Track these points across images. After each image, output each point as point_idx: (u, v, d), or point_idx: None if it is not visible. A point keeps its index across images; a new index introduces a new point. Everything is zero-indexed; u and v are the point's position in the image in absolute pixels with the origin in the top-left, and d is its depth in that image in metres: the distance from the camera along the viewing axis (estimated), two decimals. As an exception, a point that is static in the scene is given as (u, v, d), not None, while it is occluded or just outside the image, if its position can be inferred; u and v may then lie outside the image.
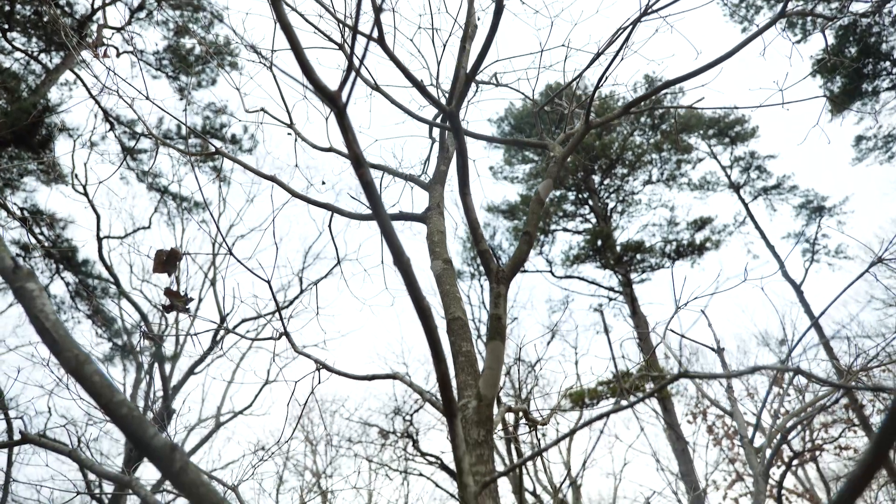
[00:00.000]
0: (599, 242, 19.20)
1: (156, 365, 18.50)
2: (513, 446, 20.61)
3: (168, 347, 20.05)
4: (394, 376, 2.12)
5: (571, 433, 1.24)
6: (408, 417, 21.15)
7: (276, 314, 2.20)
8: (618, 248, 19.48)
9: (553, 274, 20.43)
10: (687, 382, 28.07)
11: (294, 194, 3.18)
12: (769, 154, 21.81)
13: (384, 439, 22.85)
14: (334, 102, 1.21)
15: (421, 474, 23.38)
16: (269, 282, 2.31)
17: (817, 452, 21.32)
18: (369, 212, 3.14)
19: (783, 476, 21.05)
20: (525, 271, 20.48)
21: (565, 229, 21.51)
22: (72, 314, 15.98)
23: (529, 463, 22.39)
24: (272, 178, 3.22)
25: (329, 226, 3.12)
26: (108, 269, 16.75)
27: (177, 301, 1.77)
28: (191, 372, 19.97)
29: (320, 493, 27.88)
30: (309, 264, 21.15)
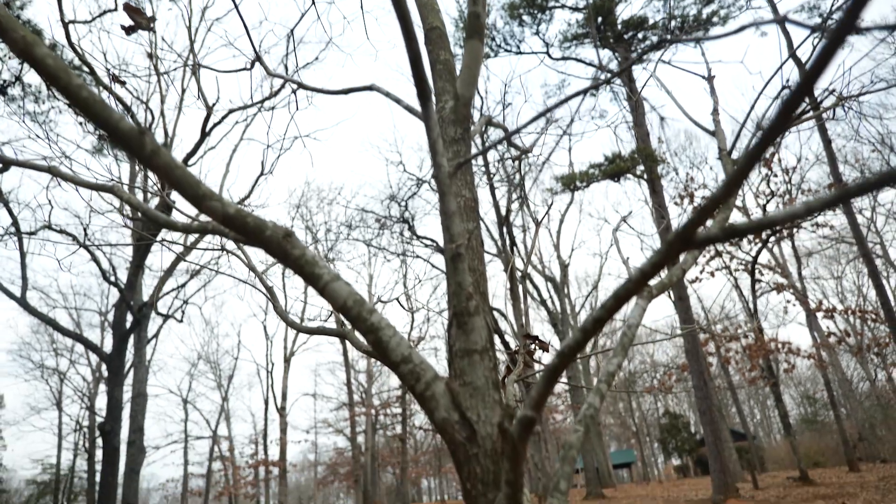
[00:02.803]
0: (600, 19, 18.06)
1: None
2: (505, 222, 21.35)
3: (157, 138, 19.84)
4: (370, 87, 2.05)
5: (544, 113, 1.20)
6: (403, 203, 21.78)
7: (248, 38, 2.06)
8: (619, 26, 18.39)
9: (550, 56, 19.53)
10: (676, 166, 28.27)
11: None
12: None
13: (381, 227, 23.72)
14: None
15: (418, 257, 24.78)
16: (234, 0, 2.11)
17: (794, 230, 22.35)
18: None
19: (758, 252, 22.18)
20: (521, 53, 19.56)
21: (564, 6, 20.10)
22: (51, 104, 15.49)
23: (520, 244, 23.46)
24: None
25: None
26: (80, 57, 15.89)
27: (139, 18, 1.64)
28: (184, 163, 19.95)
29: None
30: (292, 50, 20.04)
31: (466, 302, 1.16)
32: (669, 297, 30.83)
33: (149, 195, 22.30)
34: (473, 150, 1.67)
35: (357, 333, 2.15)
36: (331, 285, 1.17)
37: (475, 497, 1.09)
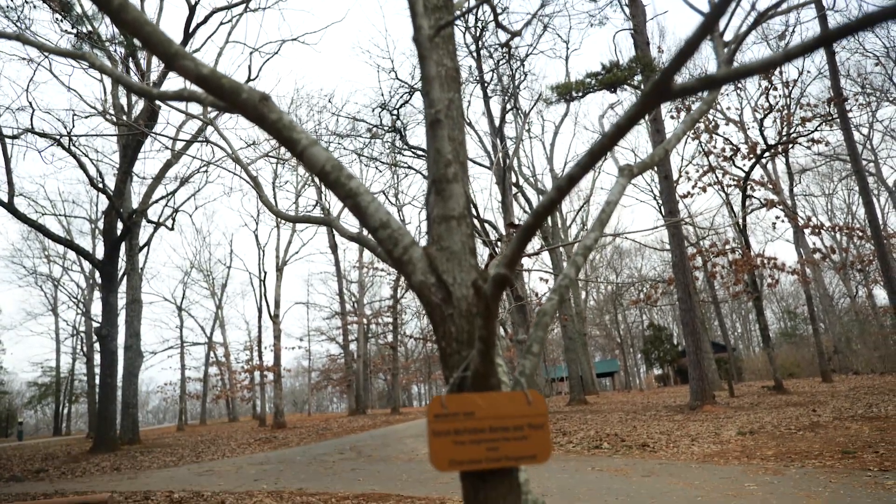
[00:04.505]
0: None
1: (131, 58, 17.78)
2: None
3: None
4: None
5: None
6: (394, 112, 21.33)
7: None
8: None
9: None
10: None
11: None
12: None
13: (372, 136, 23.34)
14: None
15: (410, 167, 24.56)
16: None
17: (790, 146, 22.22)
18: None
19: (752, 168, 22.11)
20: (518, -48, 18.52)
21: None
22: (25, -1, 14.72)
23: (513, 154, 23.23)
24: None
25: None
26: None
27: None
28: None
29: (315, 186, 29.56)
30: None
31: (445, 169, 1.15)
32: (660, 212, 30.92)
33: (133, 102, 21.65)
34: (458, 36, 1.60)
35: (342, 221, 2.15)
36: (309, 150, 1.16)
37: (450, 354, 1.13)
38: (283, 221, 30.82)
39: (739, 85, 23.30)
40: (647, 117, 20.51)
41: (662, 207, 22.34)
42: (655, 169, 22.38)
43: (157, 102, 18.84)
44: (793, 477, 7.41)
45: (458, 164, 1.23)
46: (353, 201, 1.16)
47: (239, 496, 9.16)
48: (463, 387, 1.10)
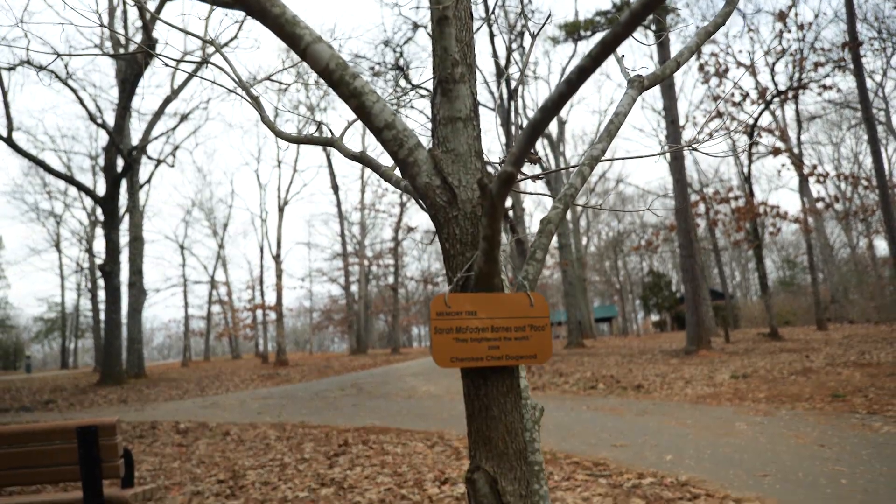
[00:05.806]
0: None
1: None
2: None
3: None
4: None
5: None
6: (398, 49, 20.81)
7: None
8: None
9: None
10: (686, 18, 26.87)
11: None
12: None
13: (374, 74, 22.84)
14: None
15: (412, 107, 24.08)
16: None
17: (801, 91, 21.80)
18: None
19: (760, 113, 21.64)
20: None
21: None
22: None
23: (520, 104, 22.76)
24: None
25: None
26: None
27: None
28: (165, -2, 18.81)
29: (315, 124, 29.15)
30: None
31: (452, 69, 1.12)
32: (666, 160, 30.60)
33: (131, 34, 21.15)
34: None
35: (344, 141, 2.13)
36: (313, 46, 1.13)
37: (454, 256, 1.13)
38: (283, 153, 30.55)
39: (752, 27, 22.65)
40: (656, 56, 20.00)
41: (667, 156, 22.09)
42: (662, 114, 21.99)
43: (155, 36, 18.38)
44: (783, 418, 7.58)
45: (465, 66, 1.20)
46: (358, 101, 1.14)
47: (243, 427, 9.42)
48: (466, 287, 1.11)
